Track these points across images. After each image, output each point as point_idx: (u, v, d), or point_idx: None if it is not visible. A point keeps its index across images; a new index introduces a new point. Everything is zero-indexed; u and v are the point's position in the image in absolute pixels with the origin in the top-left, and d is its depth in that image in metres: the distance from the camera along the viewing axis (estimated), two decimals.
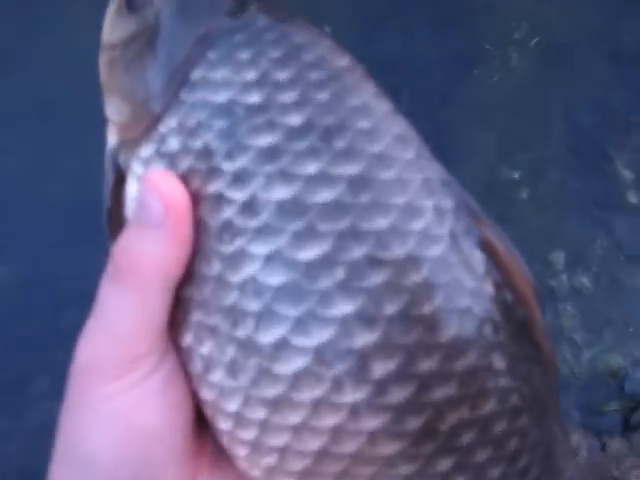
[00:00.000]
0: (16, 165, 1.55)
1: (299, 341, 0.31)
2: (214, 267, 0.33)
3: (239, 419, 0.33)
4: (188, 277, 0.34)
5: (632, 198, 1.50)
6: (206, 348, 0.33)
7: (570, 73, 1.60)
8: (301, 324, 0.31)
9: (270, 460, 0.33)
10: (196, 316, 0.33)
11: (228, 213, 0.32)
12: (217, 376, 0.33)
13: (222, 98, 0.33)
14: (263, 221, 0.31)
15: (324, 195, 0.31)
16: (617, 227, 1.49)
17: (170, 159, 0.34)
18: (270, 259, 0.31)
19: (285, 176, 0.32)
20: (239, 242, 0.32)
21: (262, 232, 0.32)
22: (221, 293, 0.32)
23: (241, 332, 0.32)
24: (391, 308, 0.30)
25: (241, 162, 0.32)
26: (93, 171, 1.63)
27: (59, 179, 1.56)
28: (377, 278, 0.31)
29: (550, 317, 1.41)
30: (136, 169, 0.36)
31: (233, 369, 0.32)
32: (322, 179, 0.31)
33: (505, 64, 1.61)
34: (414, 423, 0.31)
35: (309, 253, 0.31)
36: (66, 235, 1.54)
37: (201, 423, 0.36)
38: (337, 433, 0.31)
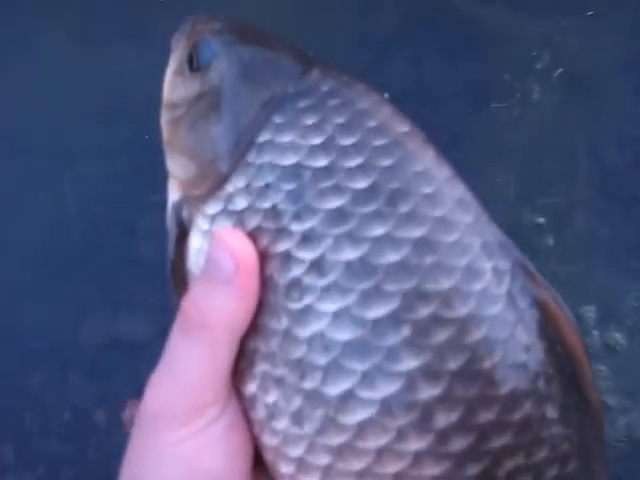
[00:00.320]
0: None
1: (365, 394, 0.34)
2: (282, 322, 0.35)
3: (302, 464, 0.36)
4: (254, 330, 0.36)
5: None
6: (271, 397, 0.36)
7: (597, 107, 1.53)
8: (368, 378, 0.34)
9: None
10: (262, 367, 0.36)
11: (297, 272, 0.35)
12: (282, 424, 0.36)
13: (289, 161, 0.36)
14: (332, 280, 0.34)
15: (390, 257, 0.34)
16: None
17: (238, 217, 0.37)
18: (338, 316, 0.34)
19: (353, 238, 0.35)
20: (308, 300, 0.35)
21: (330, 290, 0.34)
22: (289, 347, 0.35)
23: (308, 384, 0.35)
24: (454, 364, 0.34)
25: (310, 224, 0.35)
26: (66, 213, 1.51)
27: (27, 220, 1.50)
28: (441, 336, 0.34)
29: None
30: (201, 225, 0.39)
31: (299, 418, 0.35)
32: (388, 241, 0.34)
33: (526, 97, 1.54)
34: (473, 470, 0.34)
35: (377, 312, 0.34)
36: (34, 285, 1.43)
37: (259, 468, 0.39)
38: (400, 479, 0.34)
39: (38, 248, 1.47)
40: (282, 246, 0.36)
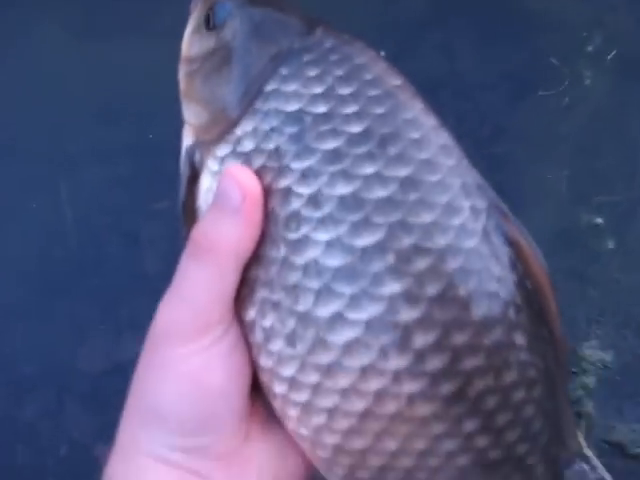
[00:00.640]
0: None
1: (352, 315, 0.39)
2: (281, 251, 0.41)
3: (294, 383, 0.41)
4: (255, 260, 0.42)
5: None
6: (268, 321, 0.41)
7: None
8: (355, 300, 0.39)
9: (319, 420, 0.41)
10: (261, 293, 0.42)
11: (295, 205, 0.41)
12: (277, 345, 0.41)
13: (293, 108, 0.42)
14: (326, 212, 0.40)
15: (379, 192, 0.40)
16: None
17: (245, 158, 0.43)
18: (331, 245, 0.40)
19: (346, 175, 0.41)
20: (304, 230, 0.40)
21: (325, 222, 0.40)
22: (286, 273, 0.41)
23: (302, 307, 0.40)
24: (432, 289, 0.39)
25: (308, 162, 0.41)
26: (62, 222, 1.38)
27: (19, 231, 1.45)
28: (421, 264, 0.39)
29: None
30: (211, 166, 0.45)
31: (292, 339, 0.41)
32: (378, 179, 0.40)
33: (576, 83, 1.46)
34: (447, 388, 0.39)
35: (365, 240, 0.40)
36: (26, 303, 1.39)
37: (255, 391, 0.44)
38: (380, 395, 0.40)
39: (31, 262, 1.42)
40: (283, 182, 0.42)
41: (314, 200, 0.41)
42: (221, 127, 0.45)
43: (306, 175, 0.41)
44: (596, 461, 0.83)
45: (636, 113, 1.46)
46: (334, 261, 0.40)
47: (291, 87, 0.44)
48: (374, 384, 0.40)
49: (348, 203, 0.41)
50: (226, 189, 0.42)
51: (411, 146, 0.41)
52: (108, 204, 1.45)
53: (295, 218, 0.41)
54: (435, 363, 0.40)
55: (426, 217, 0.40)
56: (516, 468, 0.43)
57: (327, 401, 0.41)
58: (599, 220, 1.37)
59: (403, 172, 0.41)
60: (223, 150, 0.45)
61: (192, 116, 0.47)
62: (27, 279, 1.40)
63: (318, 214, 0.41)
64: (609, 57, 1.48)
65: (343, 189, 0.41)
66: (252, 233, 0.42)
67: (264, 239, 0.42)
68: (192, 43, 0.49)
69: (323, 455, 0.43)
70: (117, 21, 1.60)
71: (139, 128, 1.47)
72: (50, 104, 1.50)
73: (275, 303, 0.42)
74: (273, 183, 0.42)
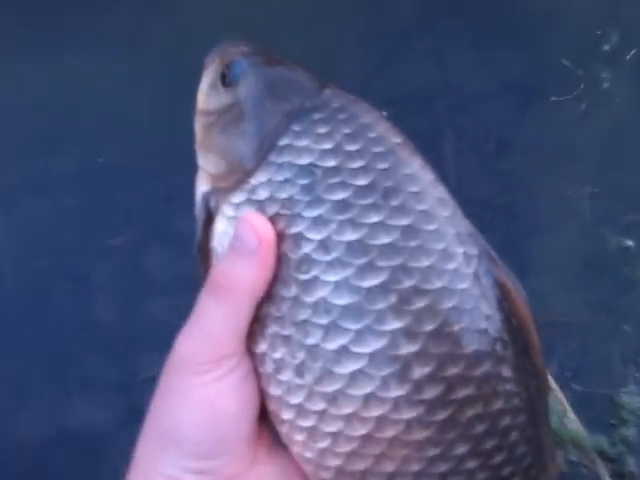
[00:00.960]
0: None
1: (357, 349, 0.45)
2: (292, 290, 0.47)
3: (301, 410, 0.47)
4: (268, 298, 0.48)
5: None
6: (279, 354, 0.47)
7: None
8: (360, 335, 0.45)
9: (323, 444, 0.47)
10: (273, 329, 0.47)
11: (307, 249, 0.47)
12: (286, 376, 0.47)
13: (304, 161, 0.48)
14: (335, 256, 0.46)
15: (383, 239, 0.46)
16: None
17: (259, 205, 0.49)
18: (339, 285, 0.46)
19: (353, 223, 0.46)
20: (315, 272, 0.46)
21: (333, 264, 0.46)
22: (297, 310, 0.46)
23: (311, 340, 0.46)
24: (429, 326, 0.45)
25: (319, 211, 0.47)
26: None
27: None
28: (420, 303, 0.45)
29: None
30: (227, 211, 0.50)
31: (301, 370, 0.46)
32: (382, 227, 0.46)
33: (593, 87, 1.37)
34: (441, 415, 0.45)
35: (369, 282, 0.45)
36: None
37: (262, 418, 0.50)
38: (381, 422, 0.45)
39: None
40: (295, 229, 0.48)
41: (324, 245, 0.47)
42: (237, 176, 0.50)
43: (317, 222, 0.47)
44: None
45: None
46: (342, 300, 0.46)
47: (303, 142, 0.49)
48: (376, 411, 0.46)
49: (355, 248, 0.46)
50: (243, 234, 0.48)
51: (411, 198, 0.47)
52: (51, 242, 1.38)
53: (306, 261, 0.47)
54: (431, 392, 0.45)
55: (424, 262, 0.46)
56: None
57: (332, 426, 0.47)
58: (629, 243, 1.29)
59: (404, 221, 0.46)
60: (238, 197, 0.50)
61: (209, 165, 0.53)
62: None
63: (328, 258, 0.47)
64: (628, 57, 1.40)
65: (351, 236, 0.46)
66: (266, 274, 0.47)
67: (276, 279, 0.48)
68: (209, 97, 0.54)
69: (326, 477, 0.49)
70: (54, 36, 1.51)
71: (86, 151, 1.39)
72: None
73: (286, 337, 0.47)
74: (286, 229, 0.48)
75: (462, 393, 0.45)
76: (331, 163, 0.48)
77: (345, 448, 0.47)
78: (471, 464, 0.47)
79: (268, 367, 0.48)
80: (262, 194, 0.49)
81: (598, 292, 1.25)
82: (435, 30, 1.50)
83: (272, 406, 0.49)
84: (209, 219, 0.52)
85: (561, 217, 1.31)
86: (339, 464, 0.48)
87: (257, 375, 0.49)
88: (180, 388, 0.47)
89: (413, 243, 0.46)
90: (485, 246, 0.48)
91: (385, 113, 0.50)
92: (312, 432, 0.47)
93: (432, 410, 0.45)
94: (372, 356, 0.45)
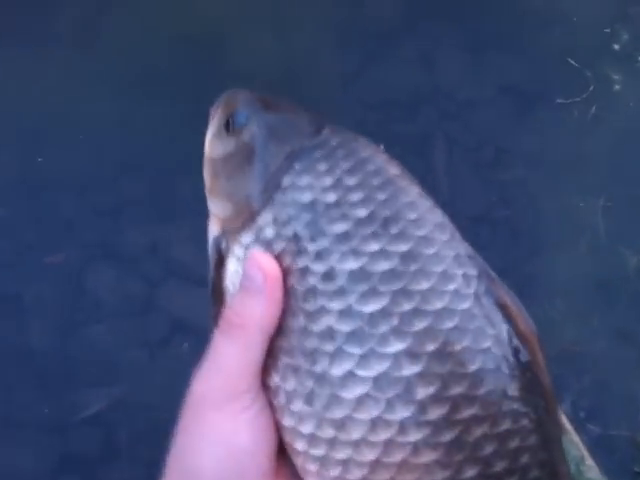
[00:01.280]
0: None
1: (362, 372, 0.46)
2: (300, 321, 0.49)
3: (312, 439, 0.48)
4: (278, 331, 0.50)
5: None
6: (290, 385, 0.49)
7: None
8: (364, 359, 0.47)
9: (335, 472, 0.47)
10: (284, 360, 0.49)
11: (312, 281, 0.49)
12: (297, 406, 0.48)
13: (307, 199, 0.51)
14: (338, 285, 0.48)
15: (383, 265, 0.48)
16: None
17: (267, 244, 0.51)
18: (343, 312, 0.48)
19: (355, 252, 0.48)
20: (320, 301, 0.48)
21: (337, 293, 0.48)
22: (305, 340, 0.48)
23: (318, 368, 0.48)
24: (431, 347, 0.46)
25: (322, 244, 0.49)
26: None
27: None
28: (421, 325, 0.46)
29: None
30: (237, 252, 0.53)
31: (310, 398, 0.48)
32: (382, 254, 0.48)
33: (603, 89, 1.29)
34: (448, 436, 0.45)
35: (371, 307, 0.47)
36: None
37: (280, 452, 0.51)
38: (389, 446, 0.46)
39: None
40: (301, 262, 0.49)
41: (328, 275, 0.48)
42: (244, 217, 0.53)
43: (320, 254, 0.49)
44: None
45: None
46: (346, 326, 0.47)
47: (305, 180, 0.52)
48: (383, 435, 0.46)
49: (357, 276, 0.48)
50: (250, 272, 0.50)
51: (410, 225, 0.49)
52: None
53: (312, 292, 0.48)
54: (436, 413, 0.45)
55: (424, 284, 0.47)
56: None
57: (342, 453, 0.47)
58: None
59: (404, 247, 0.48)
60: (247, 238, 0.52)
61: (218, 209, 0.55)
62: None
63: (332, 287, 0.48)
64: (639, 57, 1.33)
65: (352, 264, 0.48)
66: (275, 309, 0.49)
67: (286, 312, 0.50)
68: (215, 145, 0.57)
69: None
70: (4, 31, 1.42)
71: (24, 153, 1.28)
72: None
73: (296, 367, 0.49)
74: (292, 264, 0.50)
75: (468, 413, 0.46)
76: (332, 198, 0.51)
77: (356, 475, 0.48)
78: None
79: (281, 399, 0.50)
80: (269, 233, 0.52)
81: (616, 318, 1.18)
82: (421, 32, 1.43)
83: (287, 438, 0.51)
84: (220, 260, 0.55)
85: (570, 233, 1.23)
86: None
87: (272, 409, 0.51)
88: (199, 426, 0.51)
89: (413, 267, 0.48)
90: (484, 267, 0.49)
91: (382, 146, 0.53)
92: (324, 461, 0.49)
93: (438, 431, 0.46)
94: (376, 379, 0.47)
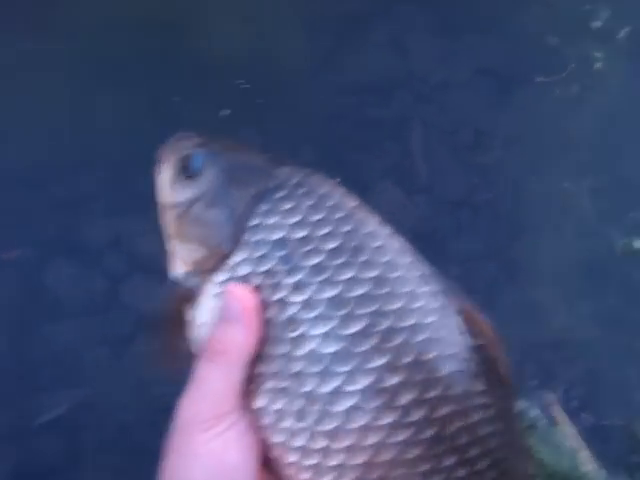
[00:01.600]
0: None
1: (349, 387, 0.52)
2: (284, 348, 0.53)
3: (305, 450, 0.53)
4: (262, 359, 0.54)
5: None
6: (279, 405, 0.53)
7: None
8: (350, 376, 0.52)
9: (329, 477, 0.52)
10: (269, 384, 0.54)
11: (292, 310, 0.53)
12: (288, 423, 0.53)
13: (277, 236, 0.55)
14: (318, 312, 0.53)
15: (358, 291, 0.53)
16: None
17: (242, 280, 0.55)
18: (326, 336, 0.52)
19: (330, 282, 0.53)
20: (302, 329, 0.53)
21: (318, 319, 0.53)
22: (291, 364, 0.53)
23: (307, 388, 0.52)
24: (408, 358, 0.51)
25: (299, 277, 0.54)
26: None
27: None
28: (398, 340, 0.51)
29: None
30: (211, 290, 0.56)
31: (301, 415, 0.52)
32: (355, 281, 0.53)
33: (584, 67, 1.25)
34: (429, 432, 0.51)
35: (352, 329, 0.52)
36: None
37: (265, 467, 0.55)
38: (378, 448, 0.51)
39: None
40: (279, 295, 0.54)
41: (307, 304, 0.53)
42: (216, 259, 0.56)
43: (298, 287, 0.53)
44: None
45: None
46: (330, 348, 0.52)
47: (272, 220, 0.55)
48: (372, 439, 0.51)
49: (335, 302, 0.53)
50: (228, 304, 0.54)
51: (375, 253, 0.54)
52: None
53: (293, 321, 0.53)
54: (418, 414, 0.51)
55: (396, 304, 0.52)
56: None
57: (335, 460, 0.52)
58: (638, 244, 1.16)
59: (373, 273, 0.53)
60: (221, 277, 0.55)
61: (187, 252, 0.58)
62: None
63: (312, 315, 0.53)
64: (621, 34, 1.29)
65: (330, 293, 0.53)
66: (254, 335, 0.54)
67: (268, 342, 0.54)
68: (173, 191, 0.58)
69: None
70: None
71: None
72: None
73: (284, 389, 0.53)
74: (270, 297, 0.54)
75: (444, 411, 0.51)
76: (301, 234, 0.55)
77: (350, 477, 0.53)
78: (460, 472, 0.52)
79: (269, 419, 0.54)
80: (243, 270, 0.55)
81: (605, 303, 1.14)
82: (394, 15, 1.38)
83: (276, 453, 0.55)
84: (186, 297, 0.58)
85: (555, 216, 1.18)
86: None
87: (257, 429, 0.55)
88: (189, 446, 0.54)
89: (384, 290, 0.53)
90: (446, 282, 0.55)
91: (339, 179, 0.55)
92: (317, 468, 0.53)
93: (420, 429, 0.51)
94: (363, 392, 0.52)
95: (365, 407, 0.52)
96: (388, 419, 0.51)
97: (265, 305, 0.55)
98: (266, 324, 0.55)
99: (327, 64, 1.30)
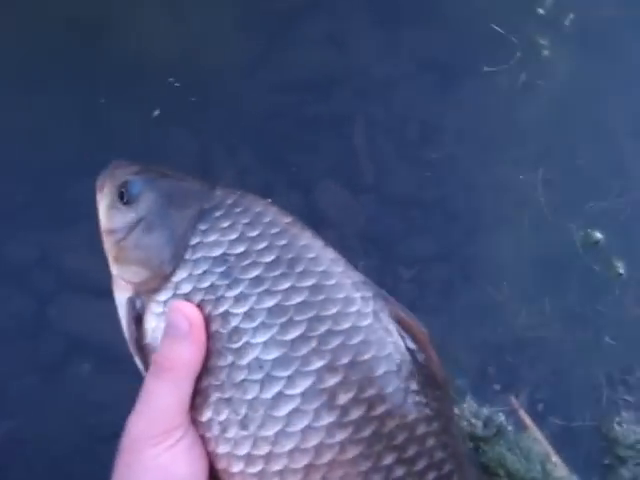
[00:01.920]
0: None
1: (290, 391, 0.56)
2: (228, 359, 0.57)
3: (249, 458, 0.57)
4: (207, 372, 0.58)
5: None
6: (224, 415, 0.57)
7: (631, 62, 1.24)
8: (291, 380, 0.56)
9: None
10: (215, 396, 0.58)
11: (234, 322, 0.58)
12: (232, 432, 0.57)
13: (217, 253, 0.60)
14: (259, 322, 0.57)
15: (296, 299, 0.57)
16: None
17: (185, 297, 0.60)
18: (267, 343, 0.57)
19: (269, 292, 0.58)
20: (245, 338, 0.57)
21: (259, 329, 0.57)
22: (234, 374, 0.57)
23: (250, 395, 0.56)
24: (346, 359, 0.55)
25: (239, 289, 0.58)
26: None
27: None
28: (335, 342, 0.56)
29: None
30: (155, 309, 0.61)
31: (245, 423, 0.56)
32: (294, 290, 0.58)
33: (531, 55, 1.22)
34: (367, 431, 0.55)
35: (292, 334, 0.56)
36: None
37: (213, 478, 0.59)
38: (319, 449, 0.55)
39: None
40: (222, 308, 0.58)
41: (249, 315, 0.58)
42: (160, 278, 0.60)
43: (239, 299, 0.58)
44: None
45: (609, 88, 1.23)
46: (272, 355, 0.56)
47: (211, 238, 0.60)
48: (313, 440, 0.55)
49: (275, 311, 0.57)
50: (175, 321, 0.58)
51: (310, 263, 0.59)
52: None
53: (236, 332, 0.57)
54: (356, 413, 0.55)
55: (332, 310, 0.57)
56: None
57: (278, 464, 0.55)
58: (598, 235, 1.13)
59: (310, 282, 0.58)
60: (164, 295, 0.60)
61: (130, 275, 0.62)
62: None
63: (253, 324, 0.57)
64: (566, 22, 1.26)
65: (270, 302, 0.57)
66: (200, 350, 0.57)
67: (212, 354, 0.58)
68: (112, 217, 0.64)
69: None
70: None
71: None
72: None
73: (228, 399, 0.57)
74: (213, 311, 0.58)
75: (381, 409, 0.55)
76: (240, 249, 0.60)
77: None
78: (399, 472, 0.56)
79: (215, 430, 0.57)
80: (185, 287, 0.60)
81: (568, 299, 1.10)
82: (326, 8, 1.34)
83: (222, 465, 0.58)
84: (138, 319, 0.62)
85: (510, 210, 1.15)
86: None
87: (204, 441, 0.58)
88: (139, 461, 0.56)
89: (320, 297, 0.58)
90: (377, 288, 0.60)
91: (270, 200, 0.61)
92: (262, 475, 0.56)
93: (359, 428, 0.55)
94: (303, 394, 0.55)
95: (306, 409, 0.56)
96: (328, 419, 0.55)
97: (209, 319, 0.59)
98: (210, 337, 0.59)
99: (262, 61, 1.25)
